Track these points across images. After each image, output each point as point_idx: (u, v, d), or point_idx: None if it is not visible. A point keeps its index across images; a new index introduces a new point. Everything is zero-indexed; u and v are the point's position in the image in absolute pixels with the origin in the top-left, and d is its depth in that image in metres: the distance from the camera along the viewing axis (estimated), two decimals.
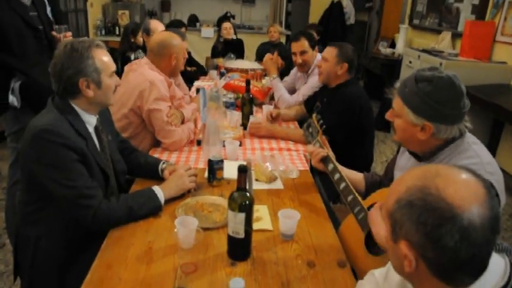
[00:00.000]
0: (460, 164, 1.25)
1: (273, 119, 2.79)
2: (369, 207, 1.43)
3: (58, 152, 1.44)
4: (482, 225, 0.74)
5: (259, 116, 2.87)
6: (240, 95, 2.96)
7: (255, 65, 4.06)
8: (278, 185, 1.91)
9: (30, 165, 1.50)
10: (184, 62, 2.46)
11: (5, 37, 2.20)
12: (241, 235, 1.32)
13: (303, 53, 3.06)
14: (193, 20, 7.82)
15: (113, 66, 1.61)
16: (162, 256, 1.37)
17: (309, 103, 2.92)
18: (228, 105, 2.97)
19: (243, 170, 1.30)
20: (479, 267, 0.77)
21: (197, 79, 4.16)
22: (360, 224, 1.47)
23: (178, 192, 1.72)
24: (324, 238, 1.52)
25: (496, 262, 0.80)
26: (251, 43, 6.06)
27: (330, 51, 2.56)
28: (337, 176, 1.68)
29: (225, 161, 1.90)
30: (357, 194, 1.54)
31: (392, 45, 6.46)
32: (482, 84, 3.83)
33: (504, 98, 3.65)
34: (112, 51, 1.81)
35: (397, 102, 1.40)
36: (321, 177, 2.12)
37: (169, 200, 1.67)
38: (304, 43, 3.06)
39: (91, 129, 1.62)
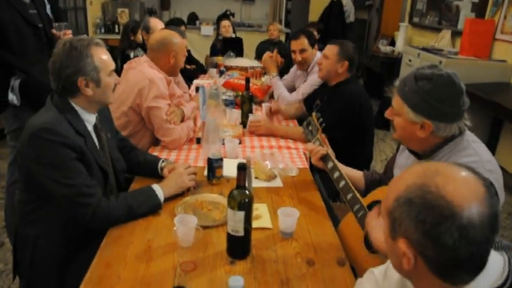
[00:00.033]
0: (459, 162, 1.25)
1: (272, 113, 2.78)
2: (369, 205, 1.43)
3: (57, 150, 1.44)
4: (481, 224, 0.73)
5: (259, 114, 2.86)
6: (240, 93, 2.95)
7: (255, 63, 4.05)
8: (277, 183, 1.90)
9: (29, 164, 1.49)
10: (184, 60, 2.46)
11: (5, 35, 2.20)
12: (241, 233, 1.32)
13: (302, 51, 3.05)
14: (192, 18, 7.82)
15: (112, 65, 1.60)
16: (162, 254, 1.37)
17: (309, 101, 2.91)
18: (228, 104, 2.97)
19: (242, 168, 1.30)
20: (478, 265, 0.77)
21: (197, 77, 4.15)
22: (359, 222, 1.47)
23: (178, 190, 1.72)
24: (324, 236, 1.52)
25: (495, 260, 0.80)
26: (251, 41, 6.05)
27: (331, 49, 2.55)
28: (336, 174, 1.68)
29: (224, 159, 1.90)
30: (356, 192, 1.54)
31: (392, 43, 6.45)
32: (482, 83, 3.83)
33: (504, 96, 3.65)
34: (111, 50, 1.80)
35: (396, 101, 1.40)
36: (321, 175, 2.12)
37: (169, 198, 1.67)
38: (303, 41, 3.05)
39: (90, 128, 1.62)
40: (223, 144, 2.21)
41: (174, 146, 2.25)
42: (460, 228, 0.73)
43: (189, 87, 3.38)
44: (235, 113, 2.67)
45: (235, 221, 1.31)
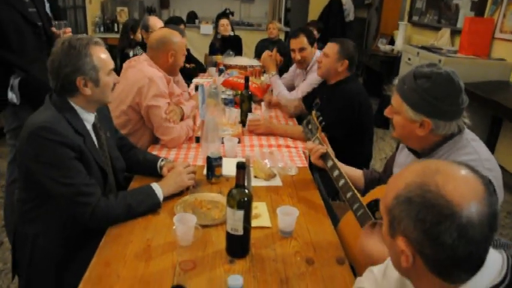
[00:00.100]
0: (458, 160, 1.25)
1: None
2: (368, 204, 1.43)
3: (55, 150, 1.44)
4: (480, 223, 0.73)
5: (258, 113, 2.86)
6: (239, 92, 2.95)
7: (254, 62, 4.05)
8: (277, 182, 1.90)
9: (28, 163, 1.49)
10: (184, 59, 2.46)
11: (4, 33, 2.20)
12: (240, 232, 1.32)
13: (301, 49, 3.05)
14: (192, 17, 7.81)
15: (111, 64, 1.60)
16: (161, 253, 1.37)
17: (308, 100, 2.91)
18: (227, 102, 2.96)
19: (241, 167, 1.30)
20: (477, 264, 0.77)
21: (196, 76, 4.15)
22: (359, 220, 1.47)
23: (177, 189, 1.71)
24: (323, 235, 1.52)
25: (494, 258, 0.80)
26: (250, 40, 6.05)
27: (332, 47, 2.55)
28: (336, 172, 1.68)
29: (223, 158, 1.90)
30: (356, 191, 1.54)
31: (392, 42, 6.45)
32: (481, 81, 3.83)
33: (503, 94, 3.65)
34: (111, 48, 1.80)
35: (395, 99, 1.40)
36: (320, 174, 2.12)
37: (168, 197, 1.67)
38: (303, 40, 3.05)
39: (89, 127, 1.62)
40: (223, 143, 2.20)
41: (174, 145, 2.25)
42: (459, 228, 0.73)
43: (189, 86, 3.37)
44: (235, 112, 2.67)
45: (234, 220, 1.31)
